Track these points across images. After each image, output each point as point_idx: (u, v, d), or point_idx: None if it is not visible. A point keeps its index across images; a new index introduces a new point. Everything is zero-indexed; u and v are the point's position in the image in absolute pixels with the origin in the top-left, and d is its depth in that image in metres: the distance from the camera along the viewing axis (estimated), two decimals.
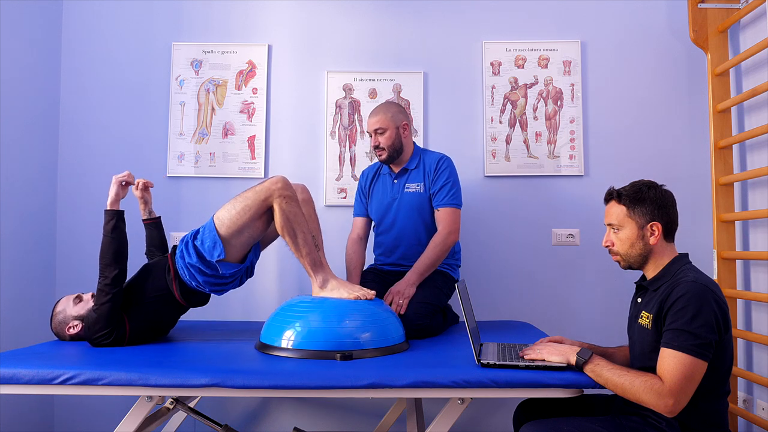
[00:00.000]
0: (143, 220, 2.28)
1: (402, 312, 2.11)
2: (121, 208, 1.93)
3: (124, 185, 1.96)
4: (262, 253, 2.56)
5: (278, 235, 2.15)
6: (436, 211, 2.34)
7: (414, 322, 2.09)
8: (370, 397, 1.72)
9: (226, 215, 1.93)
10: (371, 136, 2.39)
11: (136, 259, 2.35)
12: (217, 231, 1.92)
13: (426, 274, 2.25)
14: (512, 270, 2.77)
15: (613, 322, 2.68)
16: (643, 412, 1.53)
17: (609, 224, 1.65)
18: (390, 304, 2.14)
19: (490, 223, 2.78)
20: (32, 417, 2.59)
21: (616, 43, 2.83)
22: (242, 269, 2.00)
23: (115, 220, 1.89)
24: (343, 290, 1.96)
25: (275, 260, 2.78)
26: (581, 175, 2.78)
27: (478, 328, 2.17)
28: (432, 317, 2.17)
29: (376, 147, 2.38)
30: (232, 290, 2.56)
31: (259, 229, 1.96)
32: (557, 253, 2.78)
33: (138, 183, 2.22)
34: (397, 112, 2.38)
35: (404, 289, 2.18)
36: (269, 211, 1.93)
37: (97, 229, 1.96)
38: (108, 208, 1.91)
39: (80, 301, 1.98)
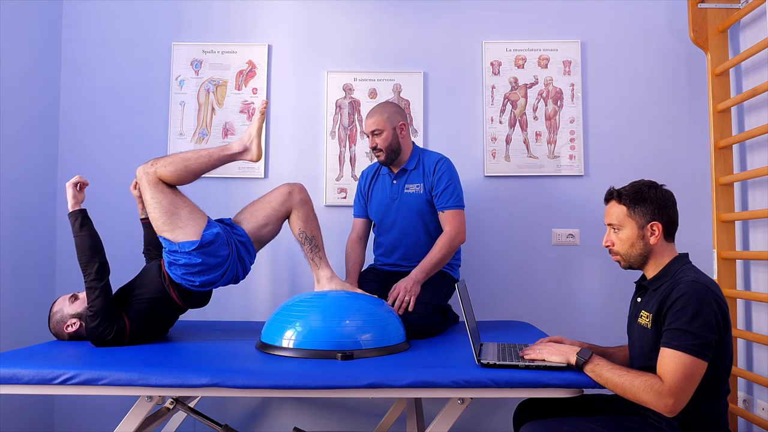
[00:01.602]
0: (141, 219, 2.29)
1: (410, 309, 2.11)
2: (84, 207, 1.97)
3: (80, 189, 2.00)
4: (263, 253, 2.57)
5: (273, 237, 2.15)
6: (440, 214, 2.33)
7: (414, 322, 2.09)
8: (370, 397, 1.72)
9: (149, 204, 1.98)
10: (369, 138, 2.39)
11: (133, 257, 2.36)
12: (163, 220, 1.96)
13: (432, 273, 2.25)
14: (512, 270, 2.77)
15: (613, 322, 2.68)
16: (643, 412, 1.53)
17: (609, 224, 1.65)
18: (395, 300, 2.14)
19: (490, 223, 2.78)
20: (32, 417, 2.59)
21: (616, 43, 2.83)
22: (210, 247, 1.93)
23: (80, 218, 1.93)
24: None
25: (276, 261, 2.78)
26: (581, 175, 2.78)
27: (478, 328, 2.17)
28: (432, 317, 2.17)
29: (374, 148, 2.38)
30: (232, 290, 2.57)
31: (168, 193, 1.97)
32: (557, 253, 2.78)
33: (136, 182, 2.23)
34: (393, 112, 2.37)
35: (411, 286, 2.17)
36: (165, 184, 1.98)
37: (98, 228, 1.96)
38: (69, 211, 1.96)
39: (76, 299, 1.99)
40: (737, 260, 2.50)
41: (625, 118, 2.80)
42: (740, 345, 2.51)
